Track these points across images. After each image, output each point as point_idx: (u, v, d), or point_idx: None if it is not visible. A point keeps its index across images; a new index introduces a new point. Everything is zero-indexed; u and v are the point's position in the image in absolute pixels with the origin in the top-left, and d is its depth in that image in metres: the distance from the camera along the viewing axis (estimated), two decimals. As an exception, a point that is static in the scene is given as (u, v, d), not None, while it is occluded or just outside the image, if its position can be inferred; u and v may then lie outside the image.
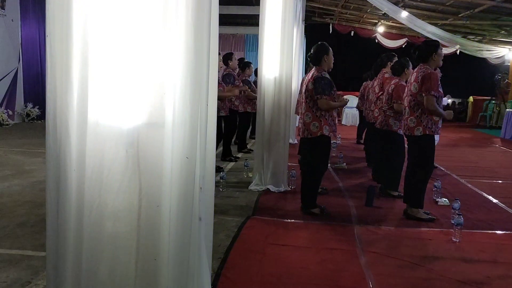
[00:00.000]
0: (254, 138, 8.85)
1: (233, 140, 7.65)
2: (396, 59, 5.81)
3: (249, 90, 7.31)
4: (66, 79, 1.18)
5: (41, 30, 11.82)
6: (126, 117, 1.20)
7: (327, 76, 4.19)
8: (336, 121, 4.31)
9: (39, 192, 4.68)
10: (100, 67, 1.20)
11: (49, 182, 1.24)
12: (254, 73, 8.70)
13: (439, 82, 3.98)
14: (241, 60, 7.76)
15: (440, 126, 4.07)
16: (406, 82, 4.65)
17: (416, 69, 4.16)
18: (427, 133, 4.00)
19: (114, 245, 1.23)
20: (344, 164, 6.62)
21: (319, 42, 4.34)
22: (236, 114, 7.16)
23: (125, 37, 1.22)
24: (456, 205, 4.10)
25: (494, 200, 4.94)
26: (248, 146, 8.24)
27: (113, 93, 1.20)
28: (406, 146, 4.56)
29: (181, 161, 1.25)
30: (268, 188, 5.15)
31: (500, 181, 5.98)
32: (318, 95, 4.08)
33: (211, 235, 1.44)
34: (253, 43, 14.58)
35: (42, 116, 11.29)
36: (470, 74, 14.96)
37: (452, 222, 3.86)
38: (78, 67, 1.19)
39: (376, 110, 6.01)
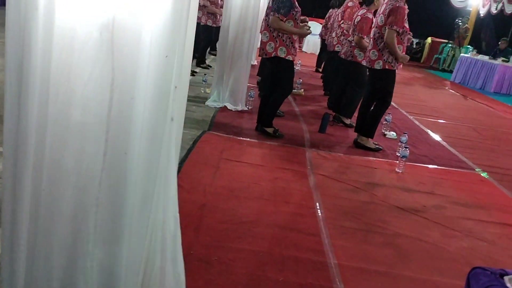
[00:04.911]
0: (213, 55, 8.59)
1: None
2: None
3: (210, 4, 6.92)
4: None
5: None
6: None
7: None
8: (297, 46, 4.18)
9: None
10: None
11: (9, 62, 1.10)
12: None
13: (406, 18, 3.95)
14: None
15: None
16: (375, 13, 4.58)
17: (386, 1, 4.09)
18: (387, 67, 4.04)
19: (81, 135, 1.16)
20: (302, 90, 6.66)
21: None
22: (199, 26, 6.84)
23: None
24: (404, 138, 4.30)
25: (437, 138, 5.23)
26: (207, 62, 8.01)
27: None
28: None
29: (159, 55, 1.16)
30: (225, 106, 5.11)
31: (444, 121, 6.30)
32: (272, 12, 3.88)
33: (180, 137, 1.41)
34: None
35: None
36: (432, 15, 14.97)
37: (398, 154, 4.07)
38: None
39: (335, 38, 5.96)
